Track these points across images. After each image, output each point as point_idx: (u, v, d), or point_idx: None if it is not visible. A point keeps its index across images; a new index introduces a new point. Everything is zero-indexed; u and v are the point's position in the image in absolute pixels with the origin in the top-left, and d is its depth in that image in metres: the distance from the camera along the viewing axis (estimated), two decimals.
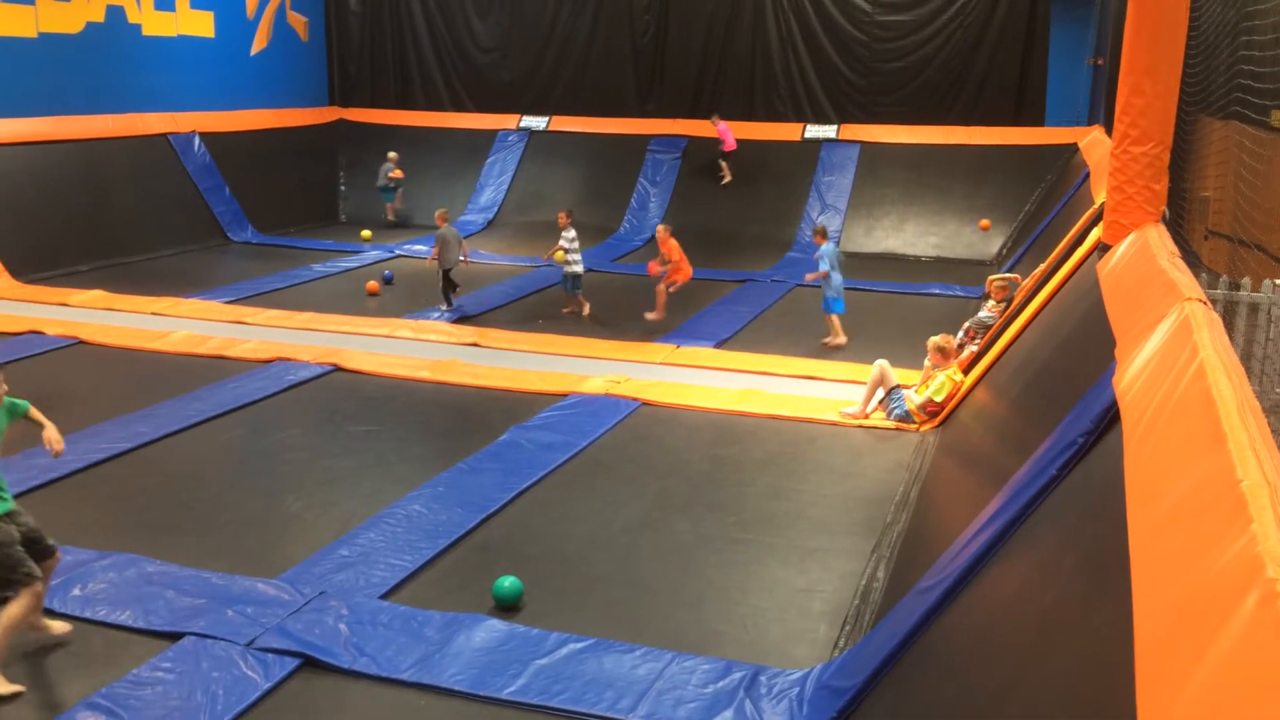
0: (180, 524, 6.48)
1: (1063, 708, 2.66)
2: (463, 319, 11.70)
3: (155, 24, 16.36)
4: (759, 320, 11.98)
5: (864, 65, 18.14)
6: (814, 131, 18.22)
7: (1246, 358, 7.07)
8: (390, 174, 18.14)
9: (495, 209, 18.76)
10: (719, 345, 10.75)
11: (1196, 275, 4.74)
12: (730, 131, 17.68)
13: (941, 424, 8.21)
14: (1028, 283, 9.03)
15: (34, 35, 14.40)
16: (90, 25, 15.24)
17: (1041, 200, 15.91)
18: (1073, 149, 15.76)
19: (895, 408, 8.41)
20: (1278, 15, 8.06)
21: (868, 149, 17.78)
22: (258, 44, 18.54)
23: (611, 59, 19.36)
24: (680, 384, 9.32)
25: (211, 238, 16.54)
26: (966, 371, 8.47)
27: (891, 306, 13.00)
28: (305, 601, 5.33)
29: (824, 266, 10.65)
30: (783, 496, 7.03)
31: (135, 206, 15.50)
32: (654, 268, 10.72)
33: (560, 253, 11.95)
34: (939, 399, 8.26)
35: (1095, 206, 8.21)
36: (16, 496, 5.89)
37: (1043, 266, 8.74)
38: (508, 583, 5.46)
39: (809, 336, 11.14)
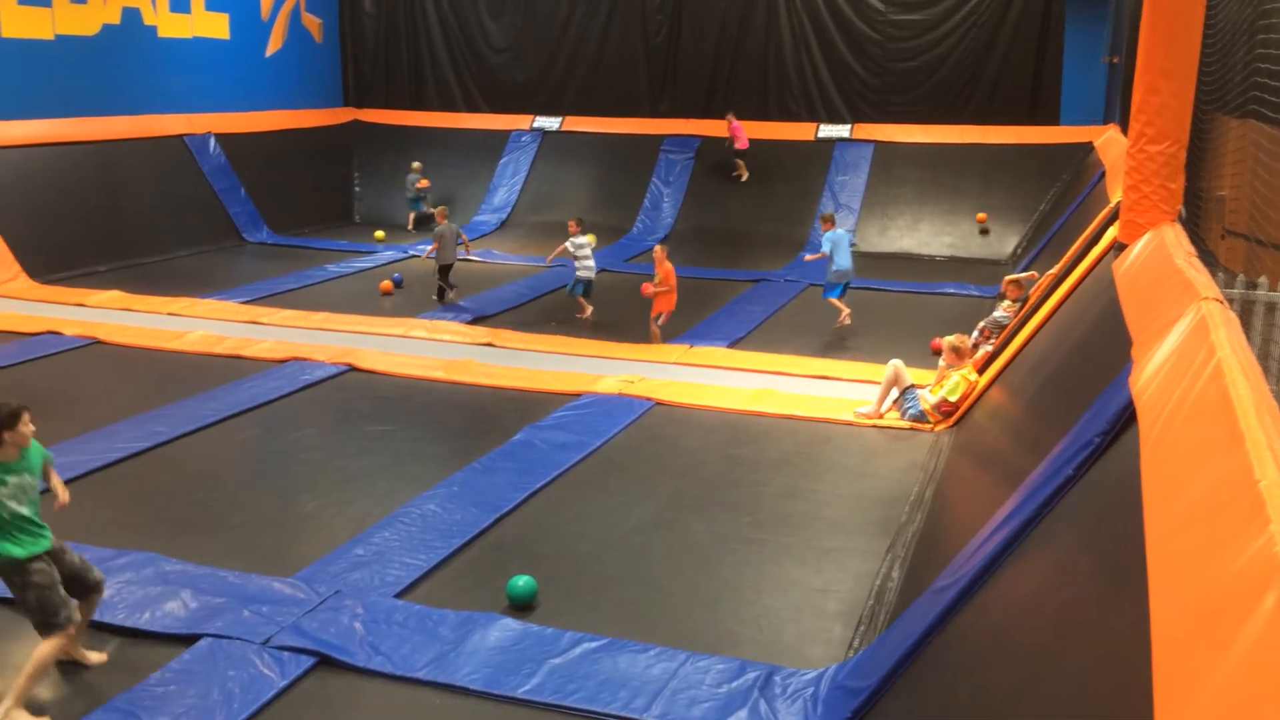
0: (196, 523, 6.51)
1: (1079, 708, 2.65)
2: (477, 319, 11.72)
3: (171, 26, 16.44)
4: (772, 320, 11.97)
5: (877, 64, 18.10)
6: (827, 131, 18.19)
7: (1264, 357, 7.02)
8: (417, 185, 18.22)
9: (509, 209, 18.78)
10: (732, 345, 10.74)
11: (1213, 274, 4.72)
12: (743, 130, 17.65)
13: (956, 424, 8.18)
14: (1043, 282, 9.00)
15: (51, 37, 14.49)
16: (106, 27, 15.33)
17: (1056, 199, 15.84)
18: (1088, 148, 15.69)
19: (910, 408, 8.39)
20: None
21: (881, 148, 17.73)
22: (272, 45, 18.61)
23: (624, 59, 19.37)
24: (694, 384, 9.31)
25: (227, 238, 16.62)
26: (981, 371, 8.44)
27: (906, 306, 12.97)
28: (321, 600, 5.35)
29: (825, 248, 10.87)
30: (797, 496, 7.03)
31: (151, 207, 15.58)
32: (648, 289, 10.69)
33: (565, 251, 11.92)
34: (954, 399, 8.23)
35: (1111, 205, 8.18)
36: None
37: (1058, 266, 8.71)
38: (522, 582, 5.47)
39: (823, 336, 11.13)
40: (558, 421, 8.25)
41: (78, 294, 12.52)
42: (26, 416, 4.55)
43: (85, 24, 15.02)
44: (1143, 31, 6.29)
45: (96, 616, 5.17)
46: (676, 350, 10.41)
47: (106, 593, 5.40)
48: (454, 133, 19.51)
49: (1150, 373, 3.65)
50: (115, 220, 14.99)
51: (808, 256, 11.14)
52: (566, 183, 18.76)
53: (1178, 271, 4.60)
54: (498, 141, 19.54)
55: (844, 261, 10.99)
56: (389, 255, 15.50)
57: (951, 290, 13.73)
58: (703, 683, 4.70)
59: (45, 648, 4.52)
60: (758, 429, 8.31)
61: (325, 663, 4.87)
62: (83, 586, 4.76)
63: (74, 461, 7.20)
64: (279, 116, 18.42)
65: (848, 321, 11.22)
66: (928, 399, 8.36)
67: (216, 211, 16.69)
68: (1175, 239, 5.58)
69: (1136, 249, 6.02)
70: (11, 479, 4.51)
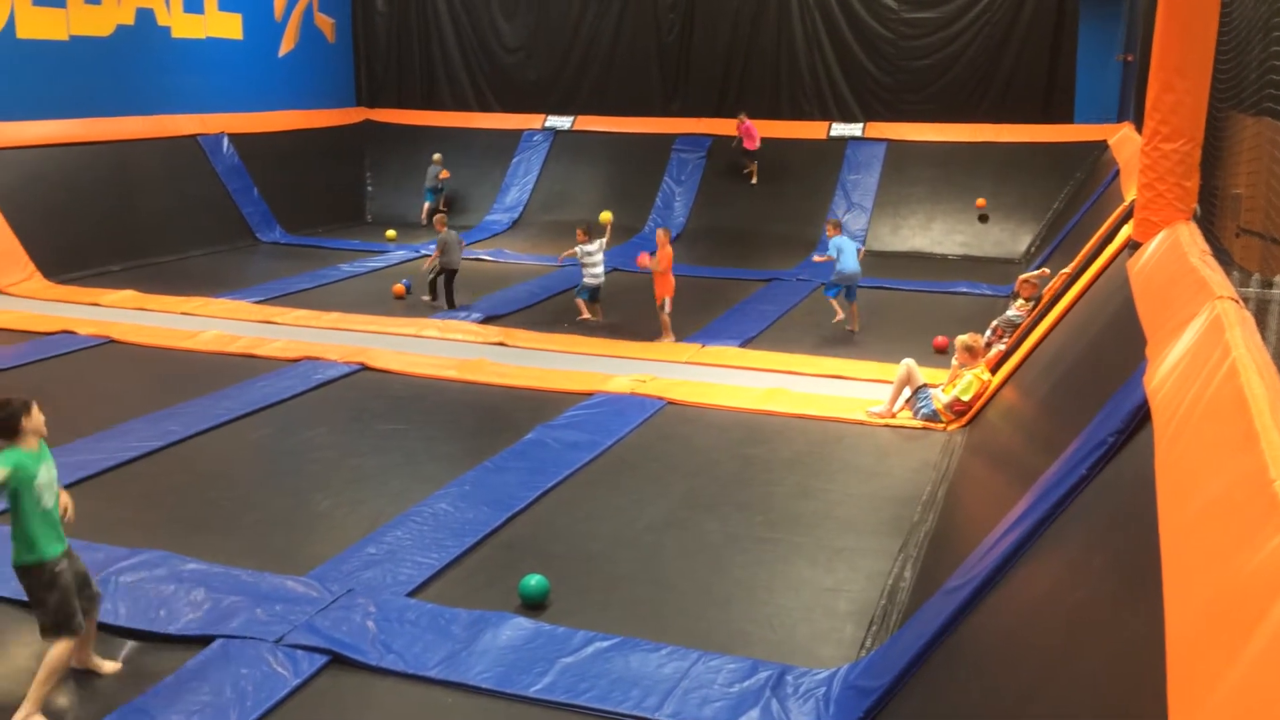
0: (210, 522, 6.54)
1: (1092, 709, 2.64)
2: (489, 319, 11.74)
3: (184, 26, 16.51)
4: (784, 319, 11.95)
5: (890, 63, 18.05)
6: (839, 129, 18.15)
7: (1279, 356, 6.99)
8: (439, 175, 18.34)
9: (520, 208, 18.80)
10: (744, 344, 10.73)
11: (1228, 273, 4.69)
12: (755, 131, 17.61)
13: (969, 423, 8.16)
14: (1056, 281, 8.96)
15: (65, 38, 14.57)
16: (120, 28, 15.40)
17: (1070, 198, 15.78)
18: (1102, 146, 15.62)
19: (922, 407, 8.37)
20: None
21: (894, 147, 17.69)
22: (285, 45, 18.67)
23: (637, 58, 19.37)
24: (706, 383, 9.31)
25: (240, 238, 16.68)
26: (994, 370, 8.42)
27: (918, 305, 12.94)
28: (333, 599, 5.36)
29: (829, 251, 10.91)
30: (810, 496, 7.01)
31: (165, 207, 15.65)
32: (644, 259, 10.93)
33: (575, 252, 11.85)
34: (966, 398, 8.21)
35: (1125, 204, 8.14)
36: None
37: (1072, 265, 8.68)
38: (534, 581, 5.47)
39: (835, 335, 11.11)
40: (569, 421, 8.25)
41: (92, 293, 12.58)
42: (35, 406, 4.51)
43: (99, 25, 15.09)
44: (1157, 29, 6.26)
45: (110, 617, 5.20)
46: (688, 349, 10.41)
47: (119, 586, 5.44)
48: (466, 132, 19.55)
49: (1165, 372, 3.63)
50: (129, 220, 15.06)
51: (816, 257, 11.18)
52: (578, 182, 18.77)
53: (1192, 270, 4.58)
54: (510, 141, 19.57)
55: (847, 265, 10.97)
56: (401, 255, 15.53)
57: (964, 289, 13.69)
58: (714, 682, 4.70)
59: (59, 651, 4.48)
60: (770, 428, 8.30)
61: (338, 661, 4.88)
62: (86, 596, 4.68)
63: (88, 460, 7.24)
64: (292, 116, 18.47)
65: (855, 327, 11.12)
66: (940, 398, 8.34)
67: (230, 211, 16.75)
68: (1190, 237, 5.55)
69: (1151, 247, 5.99)
70: (42, 470, 4.44)
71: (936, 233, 16.88)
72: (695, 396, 8.92)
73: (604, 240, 11.80)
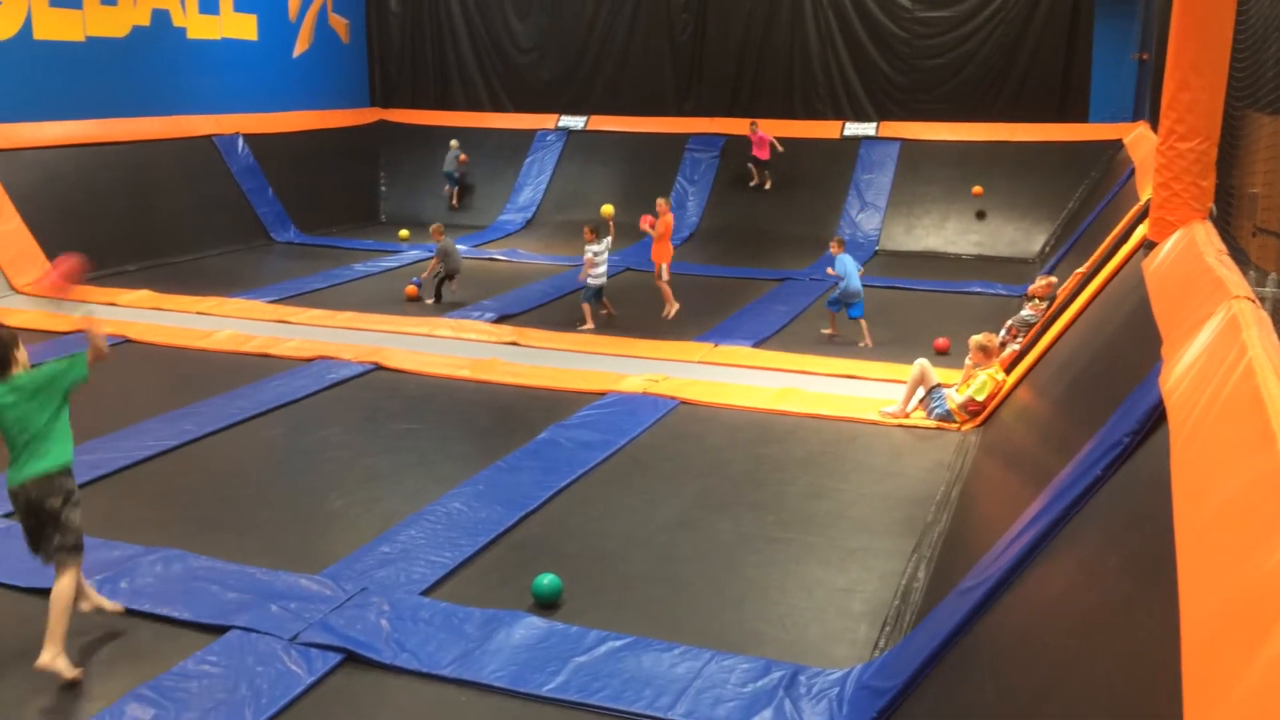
0: (225, 520, 6.57)
1: (1107, 709, 2.63)
2: (502, 318, 11.76)
3: (199, 27, 16.59)
4: (798, 319, 11.94)
5: (904, 62, 18.01)
6: (853, 129, 18.12)
7: None
8: (459, 159, 18.63)
9: (534, 208, 18.83)
10: (757, 344, 10.72)
11: (1244, 273, 4.66)
12: (767, 140, 17.49)
13: (983, 423, 8.13)
14: (1069, 282, 8.93)
15: (81, 39, 14.65)
16: (136, 29, 15.48)
17: (1085, 197, 15.71)
18: (1117, 145, 15.56)
19: (936, 407, 8.35)
20: None
21: (908, 146, 17.65)
22: (300, 46, 18.74)
23: (650, 58, 19.38)
24: (719, 383, 9.30)
25: (255, 238, 16.75)
26: (1009, 370, 8.39)
27: (932, 305, 12.90)
28: (348, 597, 5.38)
29: (837, 269, 10.83)
30: (823, 496, 7.01)
31: (181, 207, 15.73)
32: (646, 220, 11.15)
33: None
34: (980, 398, 8.19)
35: (1141, 203, 8.11)
36: None
37: (1087, 264, 8.64)
38: (547, 580, 5.48)
39: (849, 335, 11.08)
40: (582, 420, 8.26)
41: (108, 293, 12.65)
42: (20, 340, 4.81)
43: (115, 26, 15.17)
44: (1173, 27, 6.23)
45: (127, 605, 5.27)
46: (701, 349, 10.40)
47: (135, 583, 5.47)
48: (479, 132, 19.58)
49: (1180, 372, 3.62)
50: (145, 220, 15.14)
51: (829, 270, 11.11)
52: (592, 182, 18.78)
53: (1208, 270, 4.56)
54: (523, 141, 19.60)
55: (854, 284, 10.86)
56: (414, 254, 15.57)
57: (978, 289, 13.65)
58: (727, 682, 4.69)
59: (67, 581, 4.69)
60: (783, 428, 8.29)
61: (352, 659, 4.90)
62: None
63: (104, 459, 7.29)
64: (306, 117, 18.54)
65: (868, 343, 10.81)
66: (954, 398, 8.32)
67: (244, 211, 16.83)
68: (1206, 237, 5.52)
69: (1166, 247, 5.96)
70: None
71: (950, 232, 16.84)
72: (708, 396, 8.92)
73: (610, 239, 11.73)
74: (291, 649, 4.92)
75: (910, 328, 11.24)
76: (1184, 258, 5.29)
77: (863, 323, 10.83)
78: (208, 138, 16.52)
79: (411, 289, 12.95)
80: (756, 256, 15.55)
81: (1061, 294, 8.92)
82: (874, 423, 8.41)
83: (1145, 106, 14.13)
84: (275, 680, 4.69)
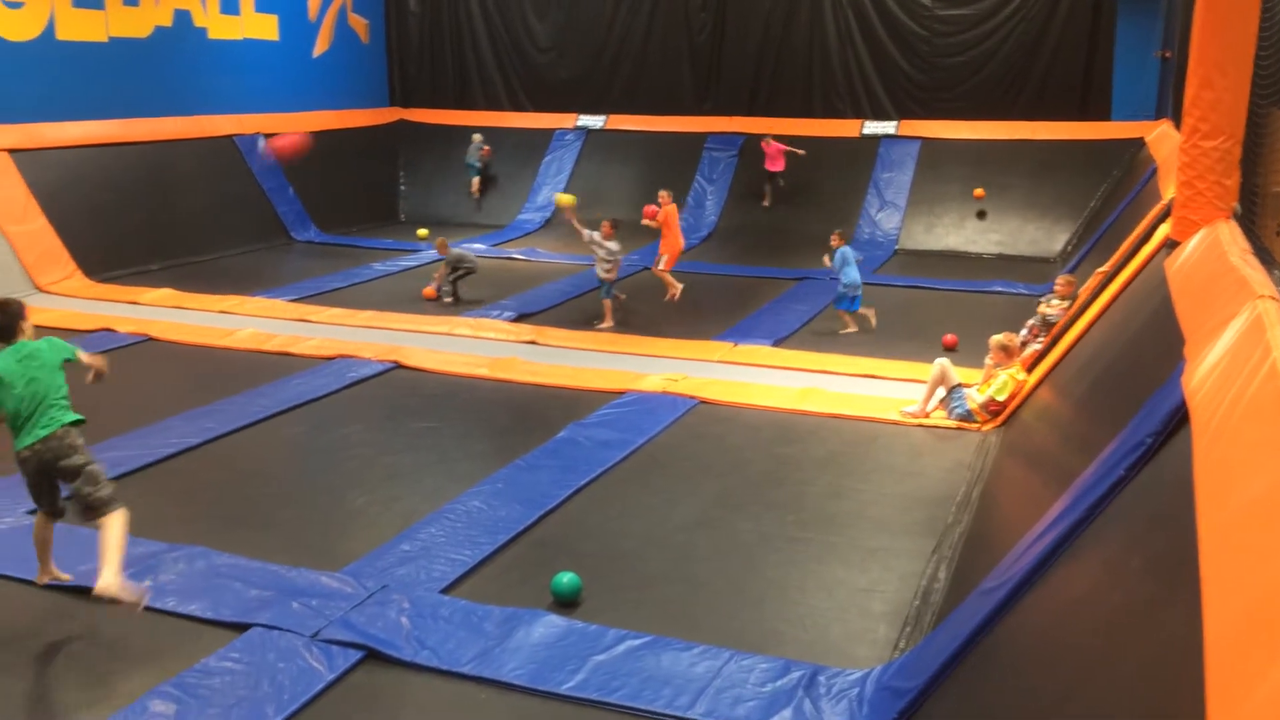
0: (246, 518, 6.61)
1: (1130, 710, 2.62)
2: (521, 317, 11.78)
3: (221, 27, 16.69)
4: (818, 319, 11.91)
5: (924, 60, 17.94)
6: (872, 128, 18.05)
7: None
8: (481, 152, 18.82)
9: (552, 207, 18.83)
10: (777, 343, 10.71)
11: (1269, 272, 4.63)
12: (781, 151, 17.36)
13: (1004, 424, 8.10)
14: (1091, 281, 8.88)
15: (104, 40, 14.76)
16: (158, 29, 15.59)
17: (1107, 196, 15.62)
18: (1139, 144, 15.46)
19: (956, 407, 8.32)
20: None
21: (928, 145, 17.58)
22: (320, 46, 18.83)
23: (668, 57, 19.37)
24: (738, 382, 9.30)
25: (276, 237, 16.84)
26: (1030, 370, 8.35)
27: (953, 304, 12.85)
28: (368, 595, 5.41)
29: (835, 262, 11.12)
30: (843, 496, 6.99)
31: (202, 207, 15.83)
32: (649, 212, 11.26)
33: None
34: (1001, 398, 8.15)
35: (1164, 202, 8.05)
36: None
37: (1109, 263, 8.59)
38: (566, 579, 5.49)
39: (869, 335, 11.06)
40: (601, 419, 8.27)
41: (131, 292, 12.75)
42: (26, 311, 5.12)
43: (138, 26, 15.28)
44: (1196, 25, 6.19)
45: (150, 602, 5.31)
46: (720, 348, 10.40)
47: (158, 580, 5.51)
48: (498, 131, 19.62)
49: (1204, 372, 3.60)
50: (167, 219, 15.24)
51: (826, 260, 11.30)
52: (610, 181, 18.79)
53: (1232, 269, 4.53)
54: (542, 140, 19.63)
55: (855, 276, 11.09)
56: (433, 253, 15.57)
57: (999, 288, 13.59)
58: (747, 681, 4.69)
59: (121, 515, 4.95)
60: (803, 428, 8.28)
61: (372, 656, 4.92)
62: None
63: (127, 456, 7.35)
64: (326, 117, 18.62)
65: (872, 323, 11.25)
66: (975, 398, 8.28)
67: (265, 210, 16.92)
68: (1230, 236, 5.48)
69: (1190, 246, 5.92)
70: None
71: (971, 231, 16.77)
72: (727, 395, 8.92)
73: (601, 236, 11.55)
74: (313, 646, 4.95)
75: (930, 327, 11.19)
76: (1207, 257, 5.25)
77: (863, 312, 11.12)
78: (229, 137, 16.62)
79: (429, 290, 13.01)
80: (775, 255, 15.52)
81: (1083, 293, 8.86)
82: (894, 423, 8.38)
83: (1168, 104, 14.03)
84: (297, 677, 4.72)
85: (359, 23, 19.81)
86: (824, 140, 17.93)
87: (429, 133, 20.13)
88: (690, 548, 6.21)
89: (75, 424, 5.04)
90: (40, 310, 11.68)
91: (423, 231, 17.23)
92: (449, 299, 12.54)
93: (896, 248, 16.53)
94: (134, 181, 14.88)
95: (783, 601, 5.58)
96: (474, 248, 15.64)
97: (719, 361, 10.00)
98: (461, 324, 11.29)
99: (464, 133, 19.57)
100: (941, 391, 8.46)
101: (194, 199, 15.78)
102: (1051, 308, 9.76)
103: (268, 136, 4.22)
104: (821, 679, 4.69)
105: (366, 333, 10.96)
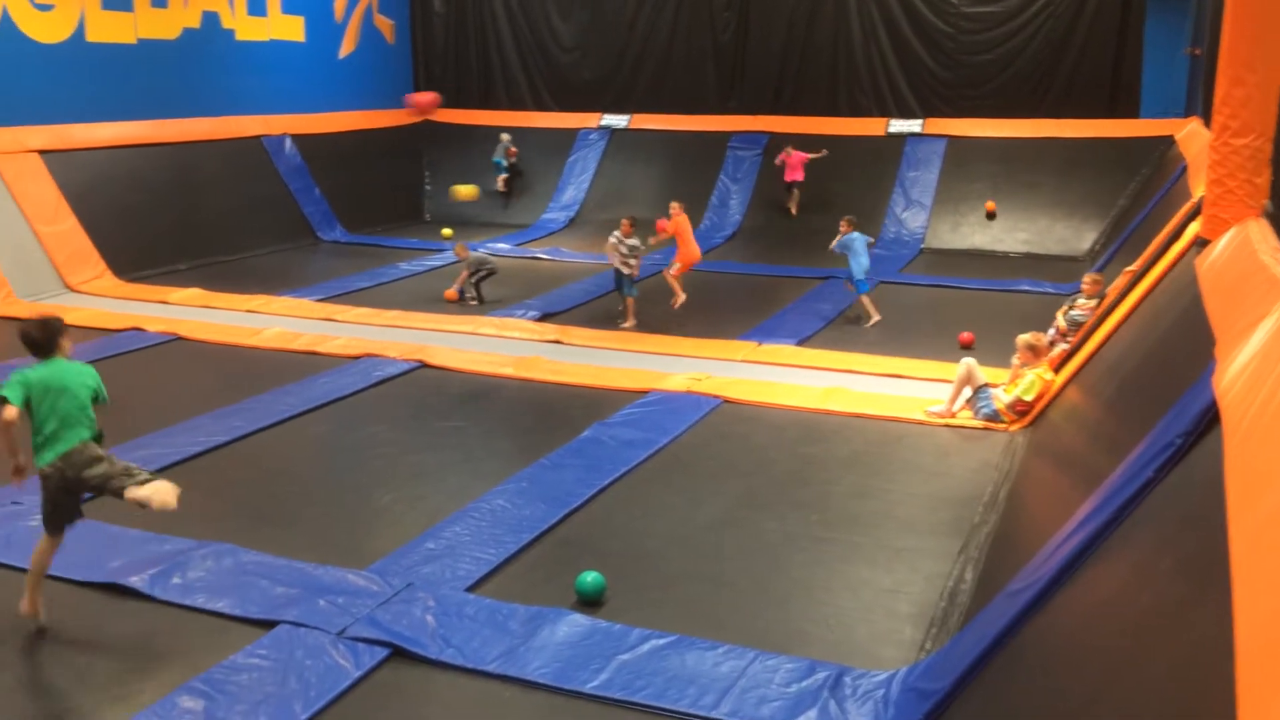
0: (273, 515, 6.66)
1: (1159, 712, 2.60)
2: (545, 317, 11.80)
3: (248, 29, 16.81)
4: (842, 318, 11.87)
5: (950, 58, 17.84)
6: (898, 126, 17.97)
7: None
8: (508, 151, 19.01)
9: (576, 207, 18.89)
10: (801, 343, 10.68)
11: None
12: (803, 161, 17.23)
13: (1031, 424, 8.04)
14: (1119, 280, 8.80)
15: (133, 41, 14.90)
16: (187, 31, 15.72)
17: (1136, 194, 15.48)
18: (1169, 141, 15.31)
19: (983, 407, 8.27)
20: None
21: (954, 143, 17.49)
22: (346, 47, 18.93)
23: (692, 56, 19.36)
24: (762, 382, 9.28)
25: (302, 237, 16.95)
26: (1058, 370, 8.29)
27: (979, 304, 12.78)
28: (394, 593, 5.44)
29: (837, 250, 11.61)
30: (868, 496, 6.97)
31: (230, 207, 15.95)
32: (661, 224, 11.28)
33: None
34: (1029, 398, 8.09)
35: (1193, 200, 7.98)
36: None
37: (1138, 262, 8.52)
38: (590, 578, 5.49)
39: (894, 334, 11.02)
40: (625, 419, 8.27)
41: (160, 291, 12.87)
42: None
43: (166, 28, 15.42)
44: (1226, 22, 6.13)
45: (175, 599, 5.40)
46: (744, 348, 10.38)
47: (186, 577, 5.56)
48: (523, 131, 19.67)
49: (1235, 372, 3.56)
50: (195, 219, 15.37)
51: (832, 248, 11.90)
52: (634, 180, 18.80)
53: (1263, 268, 4.48)
54: (566, 139, 19.65)
55: (862, 260, 11.46)
56: (458, 258, 15.65)
57: (1026, 287, 13.50)
58: (772, 681, 4.68)
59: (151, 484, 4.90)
60: (827, 427, 8.25)
61: (398, 654, 4.94)
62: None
63: (156, 454, 7.40)
64: (352, 117, 18.73)
65: (874, 317, 11.56)
66: (1002, 398, 8.23)
67: (292, 211, 17.03)
68: (1261, 234, 5.43)
69: (1220, 245, 5.87)
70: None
71: (998, 230, 16.67)
72: (751, 395, 8.90)
73: (630, 239, 11.57)
74: (339, 643, 4.98)
75: (956, 327, 11.12)
76: (1238, 256, 5.20)
77: (864, 300, 11.54)
78: (256, 138, 16.74)
79: (450, 292, 13.06)
80: (799, 255, 15.48)
81: (1111, 292, 8.79)
82: (920, 422, 8.34)
83: (1198, 102, 13.89)
84: (324, 674, 4.75)
85: (384, 24, 19.91)
86: (849, 139, 17.86)
87: (453, 133, 20.20)
88: (715, 547, 6.20)
89: (95, 439, 5.02)
90: (71, 310, 11.82)
91: (447, 231, 17.31)
92: (472, 301, 12.58)
93: (922, 247, 16.46)
94: (162, 182, 15.02)
95: (808, 601, 5.57)
96: (498, 247, 15.71)
97: (743, 361, 9.99)
98: (486, 323, 11.33)
99: (488, 133, 19.64)
100: (968, 391, 8.41)
101: (222, 199, 15.91)
102: (1078, 307, 9.70)
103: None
104: (847, 680, 4.68)
105: (392, 332, 11.02)
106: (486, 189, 19.23)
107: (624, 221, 11.67)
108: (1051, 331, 9.60)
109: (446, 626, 5.13)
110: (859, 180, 17.45)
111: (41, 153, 13.48)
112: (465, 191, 12.29)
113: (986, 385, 8.38)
